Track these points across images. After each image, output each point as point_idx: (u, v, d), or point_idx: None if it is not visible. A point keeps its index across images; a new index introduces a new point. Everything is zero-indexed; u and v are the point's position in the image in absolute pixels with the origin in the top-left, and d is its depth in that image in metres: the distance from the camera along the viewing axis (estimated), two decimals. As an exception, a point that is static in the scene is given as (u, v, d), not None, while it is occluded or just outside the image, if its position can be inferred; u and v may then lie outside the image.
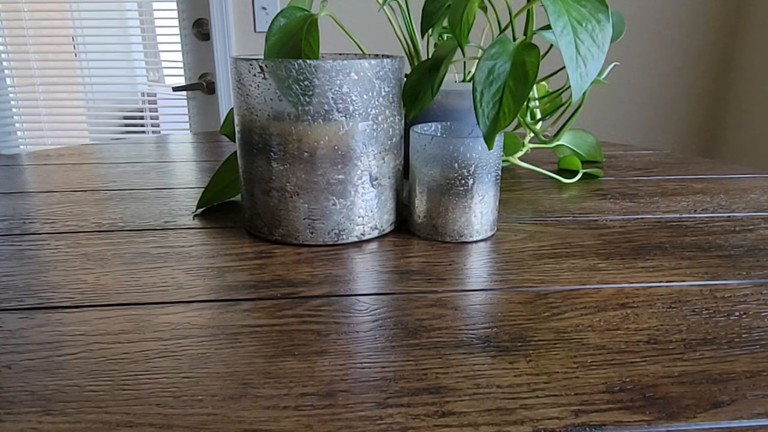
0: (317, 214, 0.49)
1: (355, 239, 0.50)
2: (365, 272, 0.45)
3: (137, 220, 0.57)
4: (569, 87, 0.44)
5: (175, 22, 1.70)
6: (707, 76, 1.73)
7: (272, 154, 0.48)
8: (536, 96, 0.66)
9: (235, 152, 0.56)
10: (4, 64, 1.79)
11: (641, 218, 0.58)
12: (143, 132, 1.84)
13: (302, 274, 0.44)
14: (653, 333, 0.36)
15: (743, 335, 0.36)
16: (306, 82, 0.45)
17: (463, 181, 0.48)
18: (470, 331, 0.36)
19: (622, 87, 1.73)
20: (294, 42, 0.52)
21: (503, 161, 0.73)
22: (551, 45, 0.57)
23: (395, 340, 0.35)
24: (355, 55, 0.60)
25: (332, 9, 1.64)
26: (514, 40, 0.52)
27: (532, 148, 0.90)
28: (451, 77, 0.71)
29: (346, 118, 0.47)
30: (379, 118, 0.48)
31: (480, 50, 0.54)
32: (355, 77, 0.46)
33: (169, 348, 0.34)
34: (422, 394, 0.30)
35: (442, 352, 0.34)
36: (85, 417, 0.28)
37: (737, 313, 0.39)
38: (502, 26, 0.57)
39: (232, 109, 0.56)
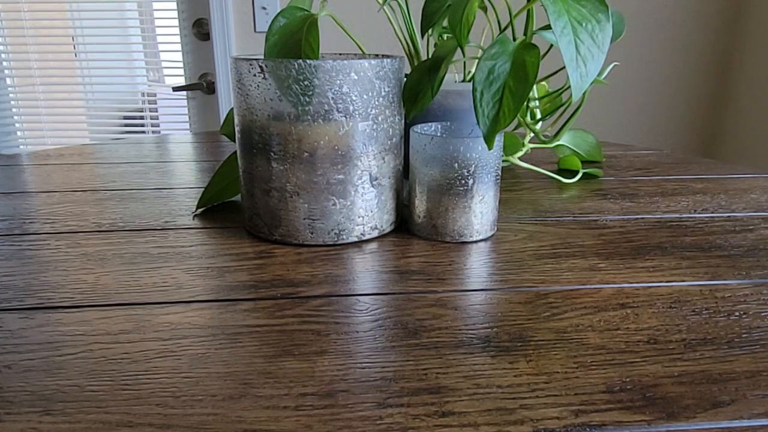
0: (317, 214, 0.49)
1: (355, 239, 0.50)
2: (365, 272, 0.45)
3: (137, 220, 0.57)
4: (569, 87, 0.44)
5: (175, 22, 1.70)
6: (707, 76, 1.73)
7: (272, 154, 0.48)
8: (536, 96, 0.66)
9: (235, 152, 0.56)
10: (4, 64, 1.79)
11: (641, 218, 0.58)
12: (143, 132, 1.84)
13: (302, 274, 0.44)
14: (653, 333, 0.36)
15: (743, 335, 0.36)
16: (306, 82, 0.45)
17: (463, 181, 0.48)
18: (470, 331, 0.36)
19: (622, 87, 1.73)
20: (294, 42, 0.52)
21: (503, 161, 0.73)
22: (551, 45, 0.57)
23: (395, 340, 0.35)
24: (355, 55, 0.60)
25: (332, 9, 1.64)
26: (514, 40, 0.52)
27: (532, 148, 0.90)
28: (451, 77, 0.71)
29: (346, 118, 0.47)
30: (379, 118, 0.48)
31: (480, 50, 0.54)
32: (355, 77, 0.46)
33: (169, 348, 0.34)
34: (422, 394, 0.30)
35: (442, 352, 0.34)
36: (85, 417, 0.28)
37: (737, 313, 0.39)
38: (502, 26, 0.57)
39: (232, 109, 0.56)
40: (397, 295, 0.41)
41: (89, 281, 0.43)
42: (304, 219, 0.49)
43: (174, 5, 1.69)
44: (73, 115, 1.84)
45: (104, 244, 0.50)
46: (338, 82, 0.46)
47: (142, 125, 1.84)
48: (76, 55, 1.79)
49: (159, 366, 0.32)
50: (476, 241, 0.51)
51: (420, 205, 0.51)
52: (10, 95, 1.82)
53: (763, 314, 0.39)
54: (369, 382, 0.31)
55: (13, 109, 1.84)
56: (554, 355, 0.34)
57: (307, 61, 0.45)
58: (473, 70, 0.57)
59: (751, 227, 0.55)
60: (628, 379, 0.31)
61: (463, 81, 0.66)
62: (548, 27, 0.58)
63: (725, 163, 0.81)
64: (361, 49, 0.60)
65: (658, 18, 1.67)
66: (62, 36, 1.79)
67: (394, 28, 0.61)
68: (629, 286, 0.43)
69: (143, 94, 1.82)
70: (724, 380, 0.31)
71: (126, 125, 1.85)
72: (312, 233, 0.49)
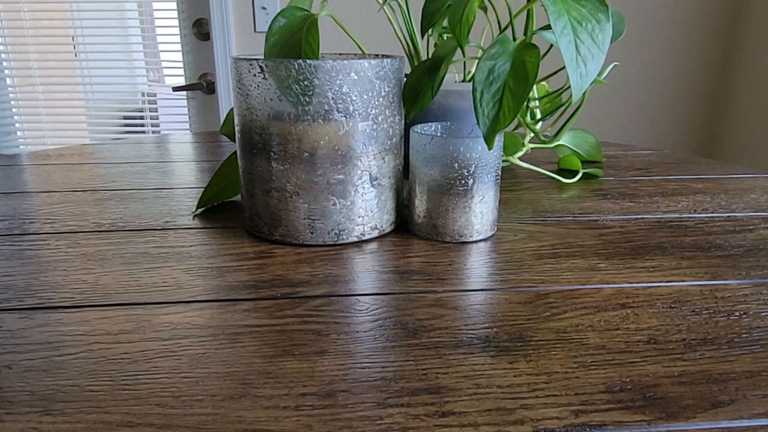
0: (317, 214, 0.49)
1: (355, 239, 0.50)
2: (365, 272, 0.45)
3: (137, 220, 0.57)
4: (569, 87, 0.44)
5: (175, 22, 1.70)
6: (707, 76, 1.73)
7: (272, 154, 0.48)
8: (536, 96, 0.66)
9: (235, 152, 0.56)
10: (4, 64, 1.79)
11: (641, 218, 0.58)
12: (143, 132, 1.84)
13: (302, 274, 0.44)
14: (653, 333, 0.36)
15: (743, 335, 0.36)
16: (306, 82, 0.45)
17: (463, 181, 0.48)
18: (470, 331, 0.36)
19: (622, 87, 1.73)
20: (294, 42, 0.52)
21: (503, 161, 0.73)
22: (551, 45, 0.57)
23: (395, 340, 0.35)
24: (355, 55, 0.60)
25: (332, 9, 1.64)
26: (514, 40, 0.52)
27: (532, 148, 0.90)
28: (451, 77, 0.71)
29: (346, 118, 0.47)
30: (379, 118, 0.48)
31: (480, 50, 0.54)
32: (355, 77, 0.46)
33: (169, 348, 0.34)
34: (422, 394, 0.30)
35: (442, 352, 0.34)
36: (85, 417, 0.28)
37: (737, 313, 0.39)
38: (502, 26, 0.57)
39: (232, 109, 0.56)
40: (397, 295, 0.41)
41: (89, 281, 0.43)
42: (304, 219, 0.49)
43: (174, 5, 1.69)
44: (73, 115, 1.84)
45: (104, 244, 0.50)
46: (338, 82, 0.46)
47: (142, 125, 1.84)
48: (76, 55, 1.79)
49: (159, 366, 0.32)
50: (476, 241, 0.51)
51: (420, 205, 0.51)
52: (10, 95, 1.82)
53: (763, 314, 0.39)
54: (369, 382, 0.31)
55: (13, 109, 1.84)
56: (554, 355, 0.34)
57: (307, 61, 0.45)
58: (473, 70, 0.57)
59: (751, 227, 0.55)
60: (628, 379, 0.31)
61: (463, 81, 0.66)
62: (548, 27, 0.58)
63: (725, 163, 0.81)
64: (361, 49, 0.60)
65: (658, 18, 1.67)
66: (62, 36, 1.79)
67: (394, 28, 0.61)
68: (629, 286, 0.43)
69: (143, 94, 1.82)
70: (724, 380, 0.31)
71: (126, 125, 1.85)
72: (312, 233, 0.49)
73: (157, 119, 1.84)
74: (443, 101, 0.59)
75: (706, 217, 0.58)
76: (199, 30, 1.68)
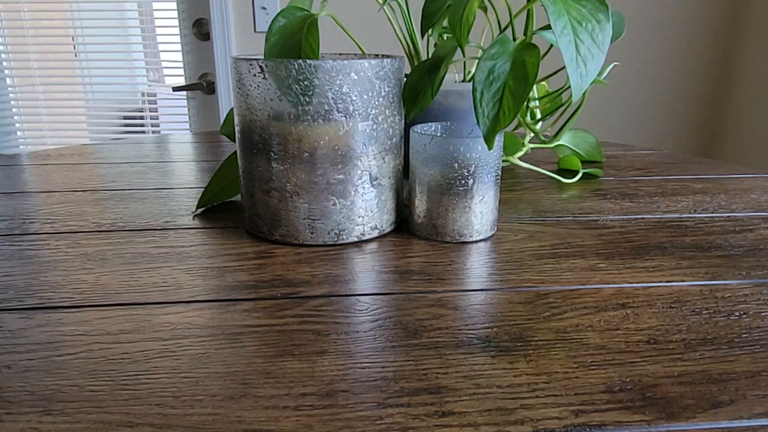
0: (317, 214, 0.49)
1: (355, 239, 0.50)
2: (365, 272, 0.45)
3: (137, 220, 0.57)
4: (569, 87, 0.44)
5: (175, 22, 1.70)
6: (707, 76, 1.73)
7: (272, 154, 0.48)
8: (536, 96, 0.66)
9: (235, 152, 0.56)
10: (4, 64, 1.79)
11: (641, 218, 0.58)
12: (143, 132, 1.84)
13: (302, 274, 0.44)
14: (653, 333, 0.36)
15: (743, 335, 0.36)
16: (306, 82, 0.45)
17: (463, 181, 0.48)
18: (470, 331, 0.36)
19: (622, 87, 1.73)
20: (294, 42, 0.52)
21: (503, 161, 0.73)
22: (551, 45, 0.57)
23: (395, 340, 0.35)
24: (355, 55, 0.60)
25: (332, 9, 1.64)
26: (514, 40, 0.52)
27: (532, 148, 0.90)
28: (451, 77, 0.71)
29: (346, 118, 0.47)
30: (379, 118, 0.48)
31: (480, 50, 0.54)
32: (355, 77, 0.46)
33: (169, 348, 0.34)
34: (422, 394, 0.30)
35: (442, 352, 0.34)
36: (85, 417, 0.28)
37: (737, 313, 0.39)
38: (502, 26, 0.57)
39: (232, 109, 0.56)
40: (397, 295, 0.41)
41: (89, 281, 0.43)
42: (304, 219, 0.49)
43: (174, 5, 1.69)
44: (73, 115, 1.84)
45: (104, 244, 0.50)
46: (338, 82, 0.46)
47: (142, 125, 1.84)
48: (76, 55, 1.79)
49: (159, 366, 0.32)
50: (476, 241, 0.51)
51: (420, 205, 0.51)
52: (10, 95, 1.82)
53: (763, 314, 0.39)
54: (369, 382, 0.31)
55: (13, 109, 1.84)
56: (554, 355, 0.34)
57: (307, 61, 0.45)
58: (473, 70, 0.57)
59: (751, 227, 0.55)
60: (628, 379, 0.31)
61: (463, 81, 0.66)
62: (548, 27, 0.58)
63: (725, 163, 0.81)
64: (361, 49, 0.60)
65: (658, 18, 1.67)
66: (62, 36, 1.79)
67: (394, 28, 0.61)
68: (629, 286, 0.43)
69: (143, 94, 1.82)
70: (724, 380, 0.31)
71: (126, 125, 1.85)
72: (312, 233, 0.49)
73: (157, 119, 1.84)
74: (443, 101, 0.59)
75: (706, 217, 0.58)
76: (199, 30, 1.68)
